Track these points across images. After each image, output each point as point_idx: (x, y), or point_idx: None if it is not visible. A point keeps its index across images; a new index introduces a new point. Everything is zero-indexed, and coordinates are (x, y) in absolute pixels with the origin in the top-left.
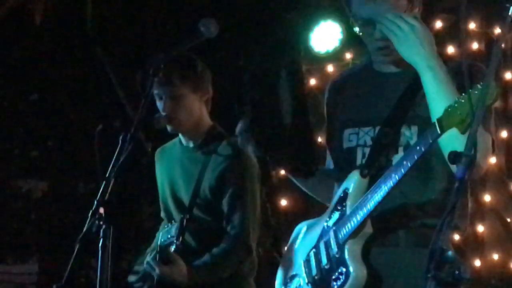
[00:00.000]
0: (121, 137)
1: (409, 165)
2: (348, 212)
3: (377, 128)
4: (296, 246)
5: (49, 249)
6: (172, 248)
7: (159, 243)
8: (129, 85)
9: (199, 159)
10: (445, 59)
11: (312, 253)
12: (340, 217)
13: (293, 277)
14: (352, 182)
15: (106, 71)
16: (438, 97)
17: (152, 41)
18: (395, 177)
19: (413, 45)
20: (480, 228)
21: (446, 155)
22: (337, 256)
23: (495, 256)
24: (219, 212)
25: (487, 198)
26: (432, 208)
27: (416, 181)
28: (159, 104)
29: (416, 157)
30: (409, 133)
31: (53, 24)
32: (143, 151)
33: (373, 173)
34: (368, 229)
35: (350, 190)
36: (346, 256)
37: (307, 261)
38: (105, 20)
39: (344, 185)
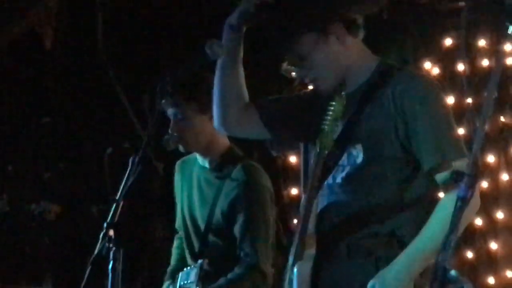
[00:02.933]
0: (130, 159)
1: (309, 183)
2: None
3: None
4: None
5: (63, 271)
6: None
7: (179, 282)
8: (140, 107)
9: (214, 182)
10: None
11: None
12: (295, 240)
13: None
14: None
15: (117, 93)
16: None
17: (163, 63)
18: (306, 197)
19: None
20: (494, 246)
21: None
22: (291, 277)
23: (509, 274)
24: (232, 237)
25: (499, 215)
26: (379, 216)
27: (358, 193)
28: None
29: (311, 176)
30: (355, 152)
31: (64, 47)
32: (155, 172)
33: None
34: (311, 249)
35: (300, 213)
36: (293, 277)
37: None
38: (115, 43)
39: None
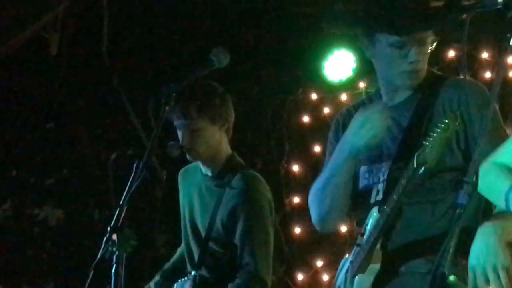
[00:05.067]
0: (134, 165)
1: (396, 198)
2: (362, 246)
3: (389, 163)
4: (336, 281)
5: (65, 276)
6: None
7: None
8: (144, 114)
9: (215, 191)
10: None
11: None
12: (358, 252)
13: None
14: (371, 218)
15: (122, 100)
16: None
17: (167, 71)
18: (388, 211)
19: None
20: None
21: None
22: None
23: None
24: (232, 245)
25: None
26: (443, 229)
27: (420, 205)
28: (179, 134)
29: (400, 191)
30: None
31: (69, 53)
32: (158, 179)
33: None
34: (376, 263)
35: (368, 226)
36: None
37: None
38: (120, 50)
39: (366, 222)
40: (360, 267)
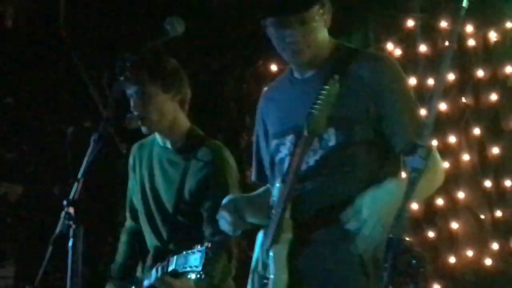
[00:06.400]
0: (92, 137)
1: (295, 167)
2: (272, 219)
3: (298, 135)
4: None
5: (26, 252)
6: (194, 276)
7: (174, 267)
8: (103, 86)
9: (179, 163)
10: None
11: (254, 262)
12: (269, 224)
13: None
14: (276, 190)
15: (80, 72)
16: None
17: (126, 41)
18: (290, 180)
19: None
20: (454, 225)
21: None
22: (266, 261)
23: (469, 253)
24: (200, 216)
25: (460, 195)
26: (353, 199)
27: (332, 176)
28: (131, 102)
29: (297, 160)
30: (327, 136)
31: (25, 26)
32: (118, 153)
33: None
34: (288, 234)
35: (275, 198)
36: (270, 261)
37: (253, 270)
38: (77, 21)
39: (272, 194)
40: (273, 239)
